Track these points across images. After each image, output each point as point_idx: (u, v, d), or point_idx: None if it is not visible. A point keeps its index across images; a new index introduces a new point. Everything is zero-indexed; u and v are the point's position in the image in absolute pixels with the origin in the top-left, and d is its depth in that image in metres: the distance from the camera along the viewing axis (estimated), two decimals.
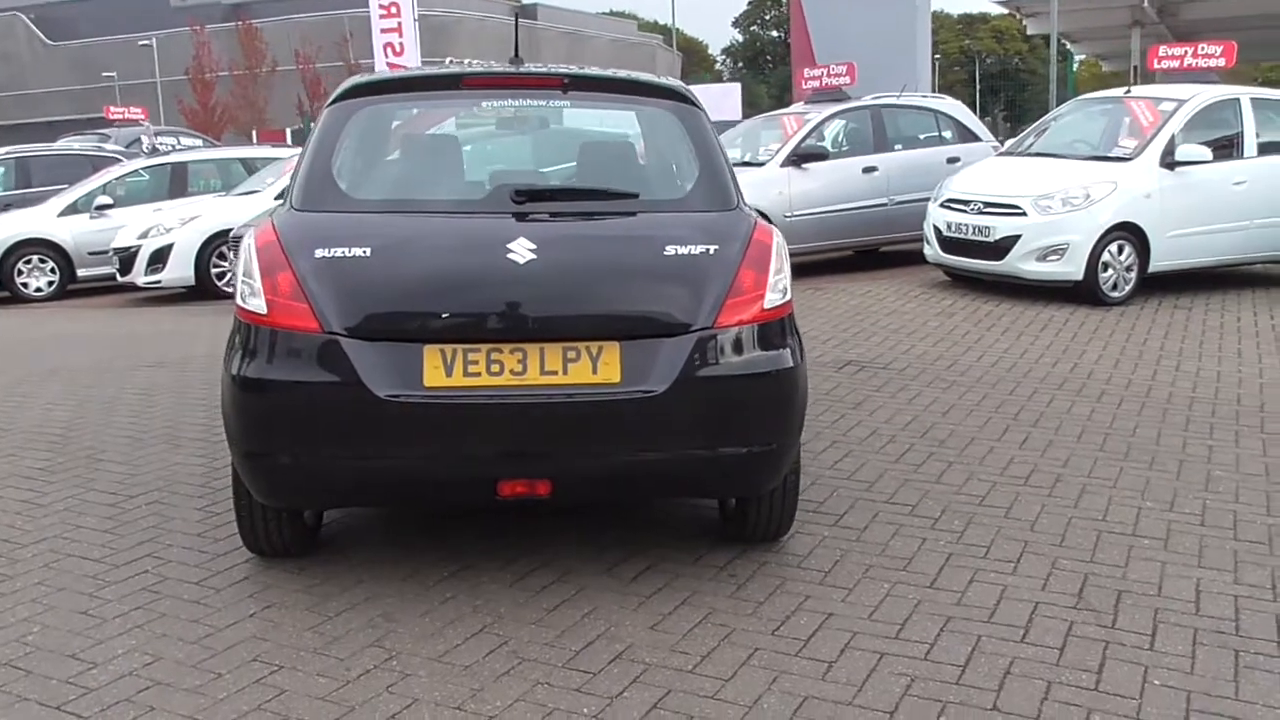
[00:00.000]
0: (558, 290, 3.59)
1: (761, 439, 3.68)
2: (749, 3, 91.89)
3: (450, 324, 3.56)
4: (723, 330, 3.62)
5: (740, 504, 4.05)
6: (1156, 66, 10.91)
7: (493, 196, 3.81)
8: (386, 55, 20.66)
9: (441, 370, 3.52)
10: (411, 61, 20.55)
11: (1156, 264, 9.27)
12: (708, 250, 3.68)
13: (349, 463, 3.59)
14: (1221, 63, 10.42)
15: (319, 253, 3.61)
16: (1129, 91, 10.39)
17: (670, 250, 3.67)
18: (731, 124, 14.93)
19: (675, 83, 4.17)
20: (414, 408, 3.49)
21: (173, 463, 5.29)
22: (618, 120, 4.11)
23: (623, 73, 4.20)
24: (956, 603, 3.70)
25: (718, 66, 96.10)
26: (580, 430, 3.55)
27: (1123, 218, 9.07)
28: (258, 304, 3.63)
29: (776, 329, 3.73)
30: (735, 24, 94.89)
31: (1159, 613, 3.61)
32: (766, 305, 3.70)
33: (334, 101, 3.92)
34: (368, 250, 3.60)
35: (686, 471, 3.67)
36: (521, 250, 3.58)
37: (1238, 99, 9.84)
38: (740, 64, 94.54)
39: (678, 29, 58.62)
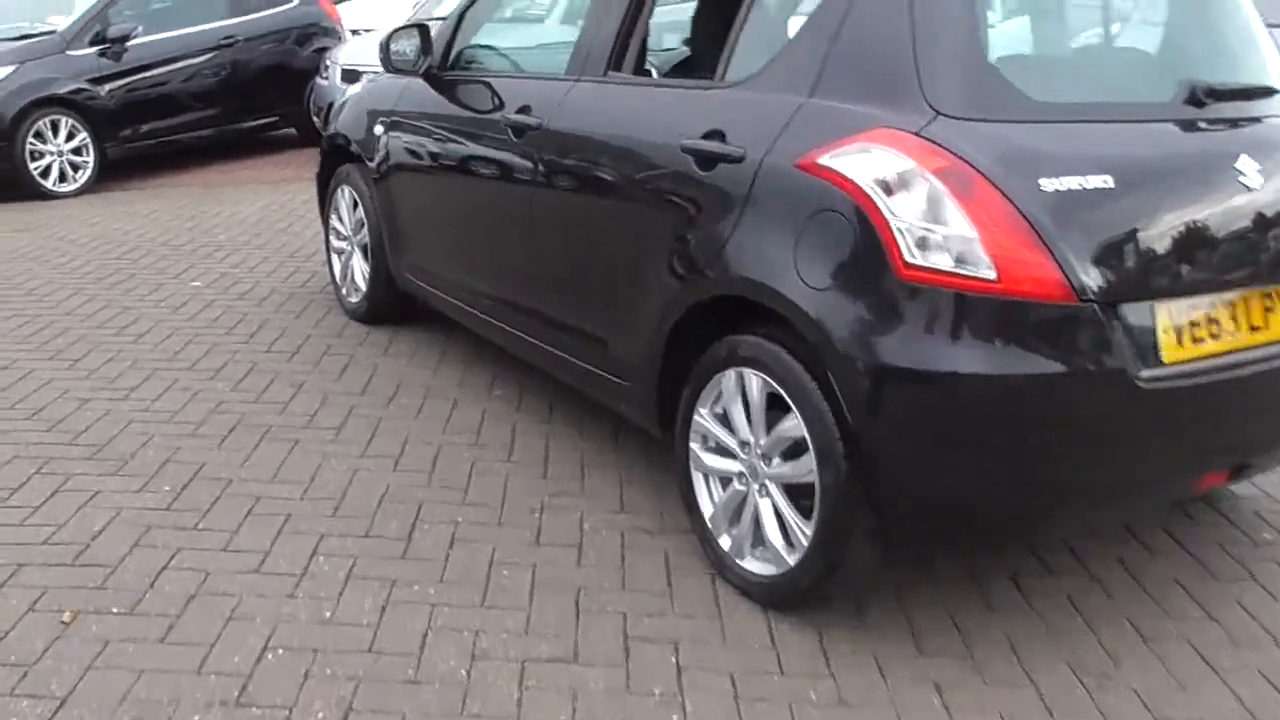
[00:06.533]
0: None
1: None
2: None
3: (1186, 274, 2.69)
4: None
5: None
6: None
7: (1178, 96, 2.88)
8: None
9: (1173, 336, 2.67)
10: None
11: None
12: None
13: (1066, 475, 2.64)
14: None
15: (1046, 184, 2.53)
16: None
17: None
18: None
19: None
20: (1169, 394, 2.62)
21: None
22: None
23: None
24: None
25: None
26: None
27: None
28: (968, 263, 2.48)
29: None
30: None
31: None
32: None
33: None
34: (1108, 179, 2.58)
35: None
36: (1250, 171, 2.77)
37: None
38: None
39: None
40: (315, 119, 9.33)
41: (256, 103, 9.62)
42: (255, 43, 9.61)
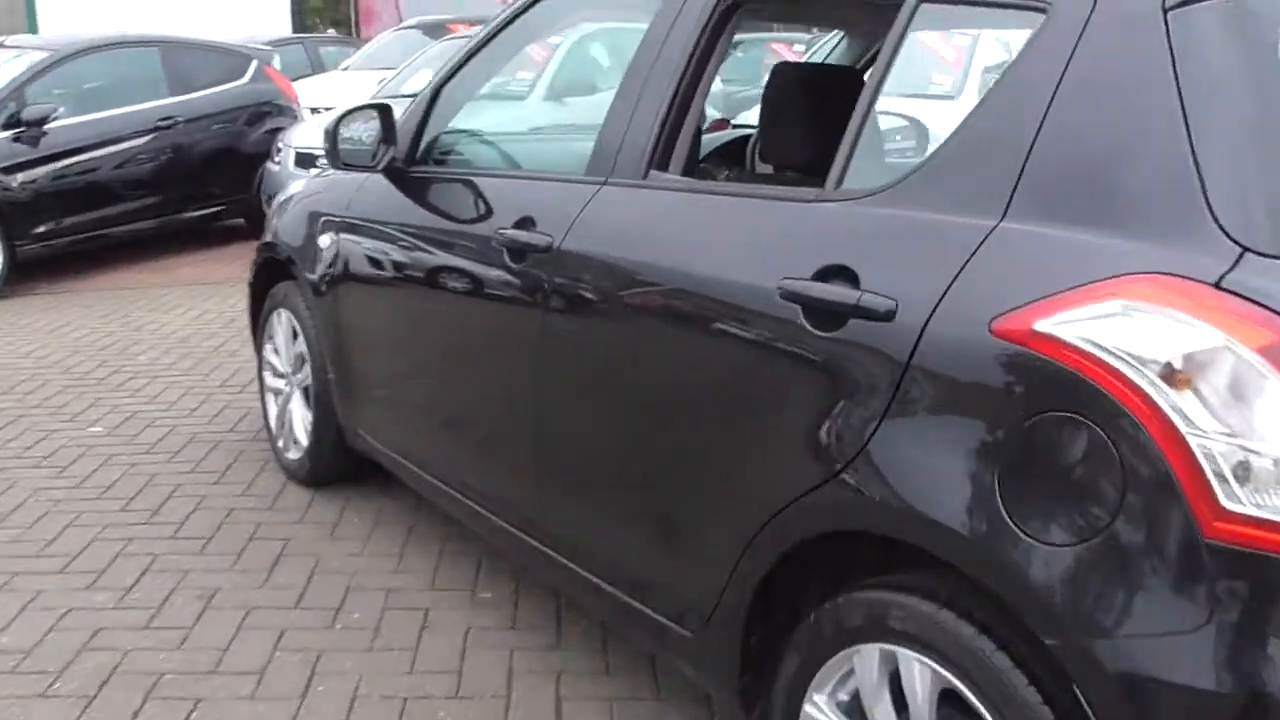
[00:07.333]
0: None
1: None
2: None
3: None
4: None
5: None
6: None
7: None
8: None
9: None
10: None
11: None
12: None
13: None
14: None
15: None
16: None
17: None
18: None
19: None
20: None
21: None
22: None
23: None
24: None
25: None
26: None
27: None
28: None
29: None
30: None
31: None
32: None
33: None
34: None
35: None
36: None
37: None
38: None
39: None
40: (266, 208, 8.28)
41: (200, 191, 8.59)
42: (200, 124, 8.61)
